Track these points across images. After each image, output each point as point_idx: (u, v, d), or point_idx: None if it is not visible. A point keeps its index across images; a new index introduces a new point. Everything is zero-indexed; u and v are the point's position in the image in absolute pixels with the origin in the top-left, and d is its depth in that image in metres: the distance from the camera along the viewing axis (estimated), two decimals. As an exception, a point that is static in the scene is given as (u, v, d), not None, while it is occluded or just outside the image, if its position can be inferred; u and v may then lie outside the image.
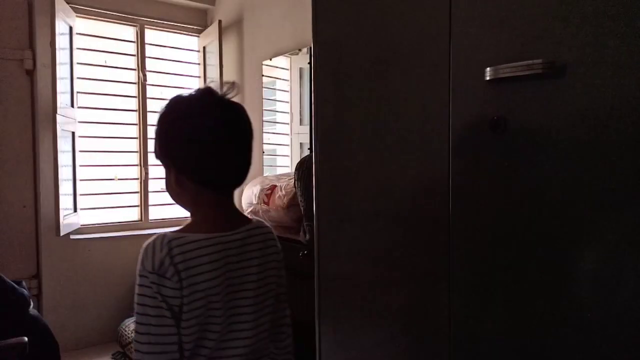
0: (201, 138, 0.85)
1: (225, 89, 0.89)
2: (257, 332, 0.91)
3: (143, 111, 3.31)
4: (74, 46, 2.93)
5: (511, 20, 0.88)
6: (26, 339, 1.17)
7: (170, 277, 0.80)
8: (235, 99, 0.91)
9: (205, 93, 0.89)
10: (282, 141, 3.00)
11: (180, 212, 3.55)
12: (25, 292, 1.46)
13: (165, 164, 0.91)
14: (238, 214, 0.97)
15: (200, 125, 0.86)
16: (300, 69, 2.81)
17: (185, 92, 0.90)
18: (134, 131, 3.30)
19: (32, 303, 1.50)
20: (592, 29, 0.78)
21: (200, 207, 0.91)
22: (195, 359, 0.85)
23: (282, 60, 2.88)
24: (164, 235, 0.84)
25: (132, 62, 3.29)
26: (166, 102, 0.90)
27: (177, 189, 0.91)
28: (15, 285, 1.42)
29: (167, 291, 0.80)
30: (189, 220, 0.93)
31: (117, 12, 3.17)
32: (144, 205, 3.34)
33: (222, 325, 0.85)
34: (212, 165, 0.88)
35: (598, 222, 0.79)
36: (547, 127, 0.84)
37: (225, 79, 3.25)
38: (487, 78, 0.90)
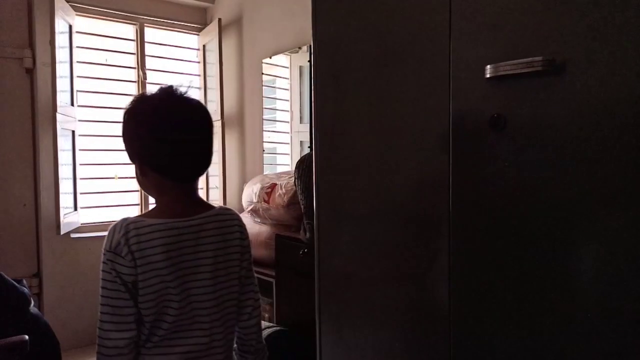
0: (160, 133, 0.95)
1: (184, 87, 0.99)
2: (219, 310, 1.00)
3: (143, 110, 3.31)
4: (74, 45, 2.93)
5: (511, 18, 0.88)
6: (27, 337, 1.17)
7: (124, 256, 0.90)
8: (195, 96, 1.00)
9: (165, 92, 0.98)
10: (282, 139, 3.00)
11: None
12: (26, 290, 1.46)
13: (130, 156, 1.01)
14: (199, 201, 1.05)
15: (160, 122, 0.95)
16: (300, 67, 2.81)
17: (148, 92, 1.00)
18: (134, 130, 3.30)
19: (32, 301, 1.51)
20: (592, 26, 0.78)
21: (162, 195, 1.01)
22: (156, 331, 0.95)
23: (282, 59, 2.88)
24: (126, 219, 0.94)
25: (132, 60, 3.29)
26: (131, 100, 0.99)
27: (142, 179, 1.01)
28: (16, 284, 1.42)
29: (121, 268, 0.90)
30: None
31: (117, 11, 3.16)
32: (144, 203, 3.34)
33: (180, 303, 0.94)
34: (170, 158, 0.97)
35: (598, 220, 0.79)
36: (547, 125, 0.84)
37: (225, 77, 3.25)
38: (487, 75, 0.90)
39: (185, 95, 0.99)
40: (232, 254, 1.04)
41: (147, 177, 1.00)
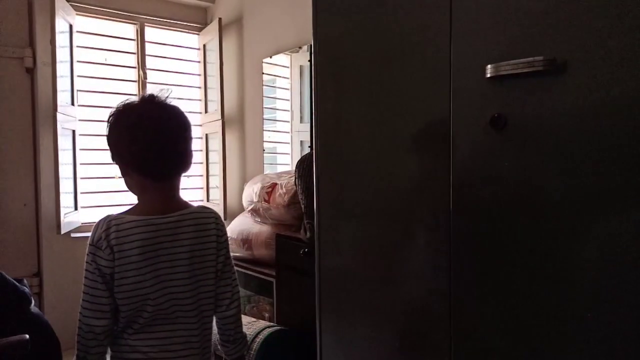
0: (140, 138, 1.03)
1: (164, 95, 1.08)
2: (195, 301, 1.08)
3: (143, 109, 3.31)
4: (74, 44, 2.93)
5: (512, 18, 0.88)
6: (28, 336, 1.17)
7: (103, 250, 1.00)
8: (174, 102, 1.11)
9: (146, 100, 1.08)
10: (282, 139, 3.00)
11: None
12: (27, 289, 1.46)
13: (113, 158, 1.09)
14: (178, 200, 1.13)
15: (140, 127, 1.03)
16: (301, 67, 2.81)
17: (130, 99, 1.09)
18: (134, 129, 3.30)
19: (33, 301, 1.51)
20: (593, 25, 0.78)
21: (144, 193, 1.09)
22: (136, 319, 1.03)
23: (282, 58, 2.88)
24: (109, 215, 1.04)
25: (132, 60, 3.29)
26: (115, 107, 1.08)
27: (125, 179, 1.10)
28: (17, 283, 1.42)
29: (101, 261, 1.00)
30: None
31: (117, 10, 3.16)
32: (145, 203, 3.34)
33: (157, 294, 1.03)
34: (149, 159, 1.05)
35: (599, 219, 0.79)
36: (548, 125, 0.84)
37: (225, 76, 3.25)
38: (488, 75, 0.90)
39: (164, 103, 1.08)
40: (208, 249, 1.11)
41: (130, 177, 1.09)
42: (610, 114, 0.77)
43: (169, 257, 1.05)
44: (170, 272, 1.05)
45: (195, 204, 1.16)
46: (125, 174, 1.09)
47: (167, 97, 1.09)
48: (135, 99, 1.09)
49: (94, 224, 1.04)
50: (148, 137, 1.03)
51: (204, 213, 1.14)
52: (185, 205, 1.13)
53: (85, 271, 1.03)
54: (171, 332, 1.06)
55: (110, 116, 1.08)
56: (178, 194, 1.14)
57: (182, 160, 1.12)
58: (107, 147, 1.08)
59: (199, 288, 1.09)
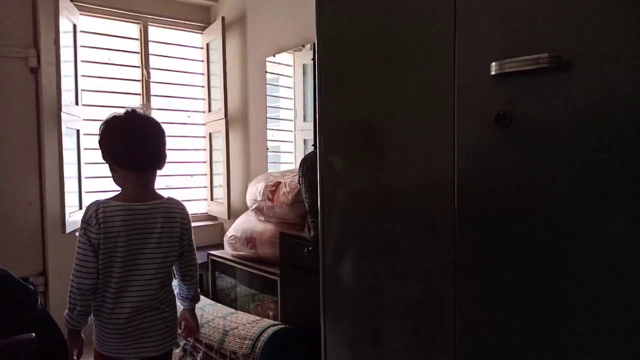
0: (124, 141, 1.39)
1: (144, 108, 1.44)
2: (158, 274, 1.42)
3: (147, 109, 3.32)
4: (78, 44, 2.94)
5: (516, 14, 0.88)
6: (34, 334, 1.18)
7: (93, 225, 1.35)
8: (152, 114, 1.48)
9: (129, 113, 1.42)
10: (285, 138, 3.00)
11: (185, 209, 3.56)
12: (33, 288, 1.47)
13: (104, 157, 1.42)
14: (152, 192, 1.47)
15: (123, 133, 1.39)
16: (304, 66, 2.80)
17: (118, 112, 1.42)
18: (138, 128, 3.31)
19: (39, 299, 1.51)
20: (599, 22, 0.78)
21: (126, 184, 1.43)
22: (107, 283, 1.38)
23: (285, 57, 2.88)
24: (97, 200, 1.39)
25: (135, 59, 3.29)
26: (105, 118, 1.41)
27: (112, 174, 1.44)
28: (23, 282, 1.43)
29: (91, 234, 1.35)
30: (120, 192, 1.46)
31: (121, 10, 3.17)
32: (149, 202, 3.35)
33: (124, 265, 1.37)
34: (130, 157, 1.39)
35: (604, 218, 0.79)
36: (553, 122, 0.84)
37: (228, 75, 3.25)
38: (493, 73, 0.90)
39: (143, 115, 1.44)
40: (174, 233, 1.46)
41: (116, 172, 1.43)
42: (616, 112, 0.76)
43: (142, 235, 1.40)
44: (141, 246, 1.40)
45: (165, 196, 1.50)
46: (112, 169, 1.43)
47: (147, 110, 1.45)
48: (122, 111, 1.42)
49: (87, 206, 1.38)
50: (130, 140, 1.39)
51: (173, 204, 1.49)
52: (157, 196, 1.48)
53: (78, 242, 1.35)
54: (138, 293, 1.40)
55: (102, 124, 1.42)
56: (152, 187, 1.48)
57: (156, 158, 1.46)
58: (99, 148, 1.41)
59: (164, 262, 1.44)
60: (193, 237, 1.55)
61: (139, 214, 1.39)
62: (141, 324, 1.41)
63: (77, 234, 1.36)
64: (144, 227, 1.40)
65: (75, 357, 1.43)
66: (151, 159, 1.44)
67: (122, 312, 1.38)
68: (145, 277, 1.40)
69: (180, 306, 1.65)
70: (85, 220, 1.36)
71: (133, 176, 1.41)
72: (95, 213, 1.35)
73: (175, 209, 1.47)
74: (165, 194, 1.53)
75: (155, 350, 1.44)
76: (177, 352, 2.40)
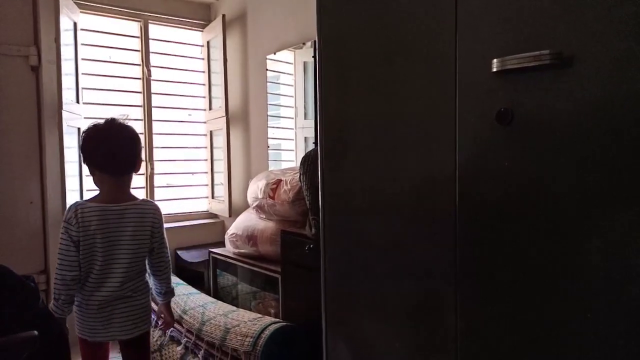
0: (102, 147, 1.55)
1: (123, 118, 1.61)
2: (130, 267, 1.60)
3: (148, 107, 3.32)
4: (79, 42, 2.94)
5: (518, 11, 0.87)
6: (36, 332, 1.18)
7: (73, 225, 1.52)
8: (128, 122, 1.64)
9: (108, 122, 1.58)
10: (286, 135, 3.00)
11: (185, 208, 3.57)
12: (35, 286, 1.47)
13: (84, 161, 1.60)
14: (127, 193, 1.63)
15: (101, 141, 1.56)
16: (305, 63, 2.80)
17: (98, 122, 1.59)
18: (139, 127, 3.32)
19: (41, 297, 1.52)
20: (601, 18, 0.77)
21: (102, 186, 1.60)
22: (88, 274, 1.56)
23: (286, 55, 2.88)
24: (77, 202, 1.56)
25: (136, 57, 3.29)
26: (87, 126, 1.59)
27: (92, 177, 1.60)
28: (24, 280, 1.43)
29: (71, 232, 1.52)
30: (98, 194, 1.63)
31: (121, 8, 3.17)
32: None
33: (103, 259, 1.55)
34: (107, 161, 1.56)
35: (606, 216, 0.79)
36: (555, 119, 0.83)
37: (229, 73, 3.25)
38: (494, 69, 0.90)
39: (120, 124, 1.59)
40: (145, 231, 1.63)
41: (95, 175, 1.59)
42: (618, 109, 0.76)
43: (116, 233, 1.57)
44: (116, 243, 1.57)
45: (140, 198, 1.66)
46: (92, 172, 1.60)
47: (124, 120, 1.62)
48: (102, 121, 1.59)
49: (67, 208, 1.56)
50: (107, 148, 1.55)
51: (146, 205, 1.65)
52: (132, 198, 1.63)
53: (60, 239, 1.53)
54: (113, 286, 1.57)
55: (83, 132, 1.59)
56: (128, 189, 1.64)
57: (130, 164, 1.61)
58: (81, 154, 1.59)
59: (136, 258, 1.62)
60: (165, 236, 1.72)
61: (112, 215, 1.57)
62: (114, 310, 1.59)
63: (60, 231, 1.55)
64: (117, 226, 1.57)
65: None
66: (125, 165, 1.60)
67: (98, 299, 1.57)
68: (120, 269, 1.58)
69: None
70: (66, 220, 1.54)
71: (109, 179, 1.58)
72: (75, 214, 1.53)
73: (148, 209, 1.65)
74: (140, 195, 1.71)
75: (128, 333, 1.62)
76: (178, 349, 2.41)
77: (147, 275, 1.71)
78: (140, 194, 3.25)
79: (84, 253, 1.53)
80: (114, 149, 1.56)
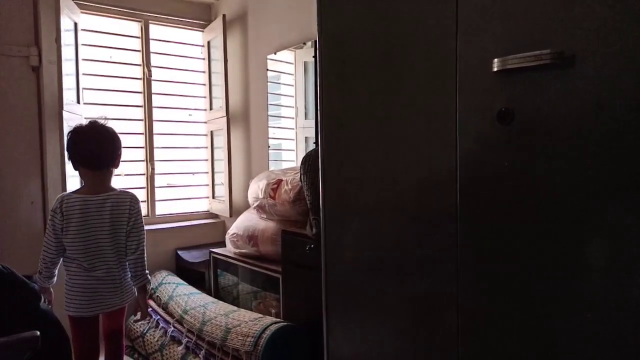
0: (84, 146, 1.81)
1: (102, 120, 1.87)
2: (110, 250, 1.83)
3: (148, 107, 3.32)
4: (79, 42, 2.94)
5: (519, 11, 0.87)
6: (38, 332, 1.18)
7: (58, 214, 1.78)
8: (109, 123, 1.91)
9: (90, 123, 1.86)
10: (287, 135, 3.00)
11: (186, 208, 3.57)
12: (36, 286, 1.48)
13: (69, 158, 1.85)
14: (107, 186, 1.87)
15: (83, 140, 1.82)
16: (305, 63, 2.80)
17: (82, 123, 1.87)
18: (140, 127, 3.32)
19: (42, 297, 1.52)
20: (601, 18, 0.77)
21: (86, 180, 1.87)
22: (75, 257, 1.80)
23: (286, 54, 2.88)
24: (63, 194, 1.84)
25: (136, 57, 3.29)
26: (72, 128, 1.85)
27: (77, 170, 1.86)
28: (26, 280, 1.43)
29: (56, 221, 1.78)
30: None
31: (122, 8, 3.17)
32: (151, 200, 3.36)
33: (86, 244, 1.79)
34: (88, 158, 1.82)
35: (607, 215, 0.79)
36: (556, 118, 0.84)
37: (230, 73, 3.25)
38: (495, 69, 0.90)
39: (101, 125, 1.84)
40: (122, 217, 1.86)
41: (79, 170, 1.85)
42: (619, 108, 0.76)
43: (96, 221, 1.81)
44: (97, 230, 1.81)
45: (118, 189, 1.89)
46: (76, 168, 1.85)
47: (104, 121, 1.87)
48: (85, 122, 1.87)
49: (56, 199, 1.83)
50: (87, 146, 1.80)
51: (122, 195, 1.88)
52: (110, 189, 1.87)
53: (47, 225, 1.80)
54: (100, 270, 1.82)
55: (69, 133, 1.83)
56: (107, 182, 1.88)
57: (108, 159, 1.85)
58: (67, 152, 1.84)
59: (117, 242, 1.86)
60: (141, 223, 1.91)
61: (92, 204, 1.81)
62: (97, 289, 1.82)
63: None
64: (97, 214, 1.82)
65: (50, 300, 1.90)
66: (103, 161, 1.84)
67: (82, 279, 1.81)
68: (101, 253, 1.82)
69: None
70: (52, 210, 1.80)
71: (90, 173, 1.83)
72: (60, 204, 1.79)
73: (124, 198, 1.88)
74: (118, 187, 1.93)
75: (109, 307, 1.86)
76: (179, 349, 2.41)
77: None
78: (141, 195, 3.26)
79: (69, 238, 1.78)
80: (93, 147, 1.80)
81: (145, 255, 1.92)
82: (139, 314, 2.00)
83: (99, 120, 1.86)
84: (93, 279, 1.81)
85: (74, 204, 1.78)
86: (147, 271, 1.92)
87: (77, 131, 1.82)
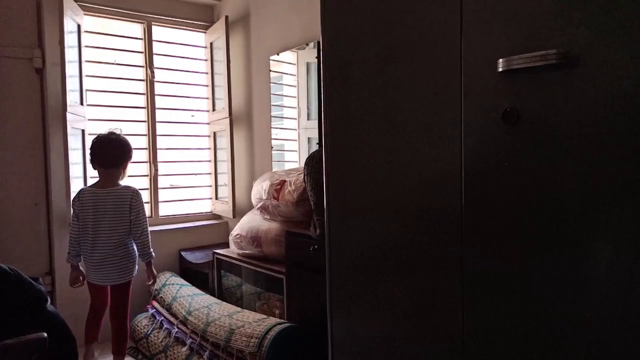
0: (98, 150, 2.36)
1: (118, 131, 2.44)
2: (112, 235, 2.32)
3: (151, 108, 3.33)
4: (82, 44, 2.95)
5: (524, 10, 0.87)
6: (45, 334, 1.19)
7: (76, 202, 2.35)
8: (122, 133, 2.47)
9: (106, 134, 2.40)
10: (290, 136, 3.00)
11: (189, 209, 3.57)
12: (43, 288, 1.48)
13: (90, 160, 2.40)
14: (113, 182, 2.38)
15: (97, 146, 2.37)
16: (308, 64, 2.80)
17: (102, 133, 2.42)
18: (143, 128, 3.32)
19: (49, 299, 1.52)
20: (607, 18, 0.77)
21: (98, 176, 2.39)
22: (85, 239, 2.33)
23: (289, 55, 2.88)
24: (82, 188, 2.40)
25: (139, 59, 3.30)
26: (96, 135, 2.43)
27: (95, 170, 2.41)
28: (33, 282, 1.44)
29: (75, 209, 2.35)
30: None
31: (124, 10, 3.18)
32: (154, 201, 3.37)
33: (93, 228, 2.31)
34: (99, 158, 2.36)
35: (612, 216, 0.79)
36: (561, 119, 0.83)
37: (232, 74, 3.25)
38: (500, 69, 0.90)
39: (114, 135, 2.40)
40: (124, 208, 2.34)
41: (95, 169, 2.38)
42: (626, 109, 0.76)
43: (102, 209, 2.32)
44: (102, 217, 2.32)
45: (123, 185, 2.40)
46: (94, 167, 2.38)
47: (119, 132, 2.43)
48: (105, 132, 2.41)
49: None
50: (103, 150, 2.36)
51: (125, 190, 2.37)
52: (116, 184, 2.38)
53: (72, 212, 2.37)
54: (102, 251, 2.32)
55: (93, 140, 2.39)
56: (115, 179, 2.38)
57: (115, 161, 2.37)
58: (89, 154, 2.39)
59: (117, 227, 2.33)
60: (143, 213, 2.39)
61: (100, 196, 2.33)
62: (102, 264, 2.32)
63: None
64: (103, 204, 2.32)
65: (79, 281, 2.40)
66: (111, 161, 2.36)
67: (91, 256, 2.33)
68: (106, 236, 2.31)
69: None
70: (73, 199, 2.39)
71: (102, 171, 2.37)
72: (78, 196, 2.36)
73: (126, 192, 2.36)
74: (125, 183, 2.44)
75: (111, 281, 2.35)
76: (183, 350, 2.41)
77: (130, 243, 2.39)
78: (144, 196, 3.30)
79: (81, 224, 2.33)
80: (105, 150, 2.36)
81: (150, 237, 2.41)
82: (151, 280, 2.53)
83: (116, 131, 2.42)
84: (96, 257, 2.31)
85: (87, 195, 2.33)
86: (151, 250, 2.42)
87: (97, 138, 2.38)
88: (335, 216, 1.34)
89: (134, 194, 2.36)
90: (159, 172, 3.37)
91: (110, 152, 2.35)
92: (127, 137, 2.47)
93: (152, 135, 3.33)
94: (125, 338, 2.43)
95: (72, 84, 2.79)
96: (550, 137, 0.85)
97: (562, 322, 0.86)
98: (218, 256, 2.95)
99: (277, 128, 3.03)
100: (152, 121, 3.33)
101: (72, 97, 2.78)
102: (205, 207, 3.65)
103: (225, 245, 3.11)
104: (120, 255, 2.34)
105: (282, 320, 2.19)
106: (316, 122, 2.70)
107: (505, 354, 0.94)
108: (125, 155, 2.39)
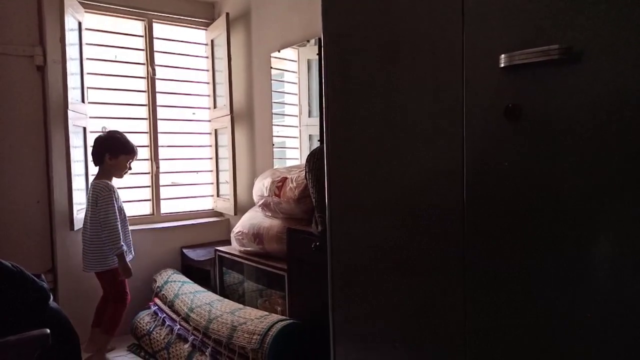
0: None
1: (106, 130, 2.81)
2: (89, 225, 2.59)
3: (153, 105, 3.33)
4: (83, 42, 2.95)
5: (526, 5, 0.87)
6: (48, 331, 1.19)
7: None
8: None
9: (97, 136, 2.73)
10: (291, 133, 3.00)
11: (191, 206, 3.58)
12: (45, 285, 1.48)
13: None
14: (99, 176, 2.64)
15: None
16: (309, 61, 2.80)
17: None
18: (144, 126, 3.33)
19: (52, 296, 1.53)
20: (610, 13, 0.77)
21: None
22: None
23: (290, 52, 2.88)
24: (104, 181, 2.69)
25: (140, 56, 3.30)
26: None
27: None
28: (36, 279, 1.44)
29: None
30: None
31: (125, 7, 3.18)
32: (156, 199, 3.37)
33: (84, 221, 2.65)
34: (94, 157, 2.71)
35: (615, 213, 0.78)
36: (563, 115, 0.83)
37: (233, 71, 3.25)
38: (502, 65, 0.89)
39: (99, 134, 2.68)
40: (94, 201, 2.55)
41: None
42: (629, 105, 0.76)
43: (87, 203, 2.63)
44: (87, 210, 2.63)
45: (99, 180, 2.62)
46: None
47: (104, 130, 2.69)
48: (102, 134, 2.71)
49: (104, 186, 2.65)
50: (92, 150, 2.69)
51: (96, 185, 2.56)
52: (97, 178, 2.62)
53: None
54: (84, 236, 2.63)
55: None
56: (102, 175, 2.63)
57: (95, 157, 2.64)
58: None
59: (92, 219, 2.57)
60: (107, 206, 2.52)
61: (88, 190, 2.65)
62: (85, 252, 2.61)
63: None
64: (88, 198, 2.63)
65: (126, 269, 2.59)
66: (94, 159, 2.66)
67: (82, 245, 2.63)
68: (86, 227, 2.59)
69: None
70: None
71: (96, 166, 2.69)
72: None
73: (97, 187, 2.56)
74: (146, 193, 2.58)
75: (90, 269, 2.60)
76: (185, 347, 2.42)
77: (105, 235, 2.52)
78: (146, 194, 3.31)
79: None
80: (92, 149, 2.67)
81: (114, 232, 2.50)
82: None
83: (104, 130, 2.78)
84: (83, 246, 2.61)
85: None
86: (120, 244, 2.52)
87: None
88: (336, 214, 1.34)
89: (101, 189, 2.53)
90: (161, 170, 3.37)
91: (92, 150, 2.64)
92: (117, 135, 2.68)
93: (154, 132, 3.33)
94: (113, 320, 2.61)
95: (73, 81, 2.79)
96: (552, 133, 0.85)
97: (562, 322, 0.85)
98: (220, 253, 2.96)
99: (278, 125, 3.03)
100: (153, 118, 3.33)
101: (73, 94, 2.78)
102: (207, 204, 3.65)
103: (227, 242, 3.11)
104: (95, 246, 2.56)
105: (284, 317, 2.20)
106: (317, 119, 2.69)
107: (506, 354, 0.94)
108: (101, 152, 2.60)
